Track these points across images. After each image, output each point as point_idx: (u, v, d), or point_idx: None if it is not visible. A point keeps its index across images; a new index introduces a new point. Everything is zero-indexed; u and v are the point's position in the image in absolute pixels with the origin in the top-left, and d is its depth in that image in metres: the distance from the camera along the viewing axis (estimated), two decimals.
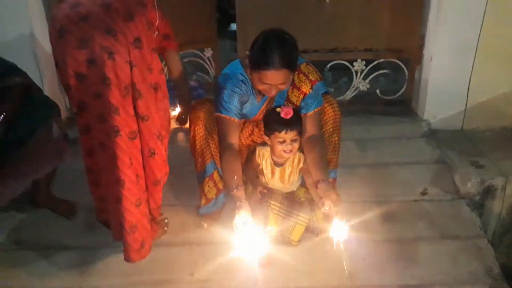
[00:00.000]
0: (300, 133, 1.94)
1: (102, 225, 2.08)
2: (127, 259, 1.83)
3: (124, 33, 1.60)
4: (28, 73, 1.99)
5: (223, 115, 1.90)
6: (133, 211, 1.74)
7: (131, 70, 1.63)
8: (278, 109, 1.90)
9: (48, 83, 2.60)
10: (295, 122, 1.90)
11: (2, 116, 1.75)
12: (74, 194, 2.28)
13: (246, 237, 1.75)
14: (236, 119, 1.91)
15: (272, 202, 1.99)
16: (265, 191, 2.03)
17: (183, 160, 2.31)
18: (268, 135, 1.96)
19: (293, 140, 1.91)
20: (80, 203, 2.28)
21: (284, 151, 1.93)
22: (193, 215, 2.21)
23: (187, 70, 3.23)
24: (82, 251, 2.07)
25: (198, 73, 3.21)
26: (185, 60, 3.15)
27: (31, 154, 1.87)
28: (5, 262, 2.02)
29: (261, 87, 1.83)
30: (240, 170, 1.91)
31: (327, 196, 1.79)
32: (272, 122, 1.92)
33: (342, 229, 1.76)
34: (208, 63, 3.18)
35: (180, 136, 2.75)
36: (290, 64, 1.79)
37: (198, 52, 3.16)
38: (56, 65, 1.66)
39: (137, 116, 1.70)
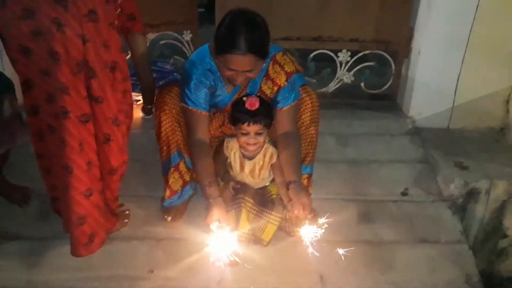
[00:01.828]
0: (268, 126, 1.82)
1: (56, 214, 1.92)
2: (74, 253, 1.69)
3: (76, 4, 1.44)
4: None
5: (190, 107, 1.78)
6: (82, 201, 1.59)
7: (84, 45, 1.47)
8: (244, 98, 1.77)
9: (7, 59, 2.40)
10: (261, 115, 1.77)
11: None
12: (29, 179, 2.12)
13: (218, 235, 1.65)
14: (204, 112, 1.78)
15: (246, 197, 1.86)
16: (239, 186, 1.90)
17: (152, 148, 2.16)
18: (233, 125, 1.83)
19: (257, 134, 1.79)
20: (34, 189, 2.12)
21: (248, 144, 1.81)
22: (158, 207, 2.07)
23: (164, 53, 3.08)
24: (33, 241, 1.93)
25: (176, 57, 3.04)
26: (162, 42, 3.00)
27: None
28: None
29: (226, 73, 1.69)
30: (212, 166, 1.80)
31: (298, 198, 1.68)
32: (236, 112, 1.79)
33: (312, 231, 1.66)
34: (187, 46, 3.02)
35: (150, 122, 2.60)
36: (259, 50, 1.63)
37: (176, 35, 3.00)
38: (1, 36, 1.50)
39: (90, 97, 1.54)
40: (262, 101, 1.78)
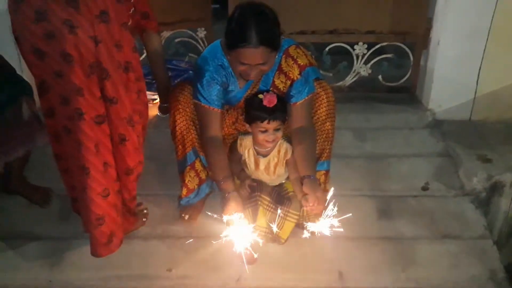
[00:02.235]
0: (284, 121, 1.79)
1: (77, 214, 1.95)
2: (94, 253, 1.70)
3: (88, 5, 1.44)
4: (6, 50, 1.91)
5: (202, 104, 1.77)
6: (99, 202, 1.60)
7: (96, 46, 1.47)
8: (260, 96, 1.74)
9: None
10: (279, 111, 1.74)
11: None
12: (50, 180, 2.14)
13: (235, 230, 1.66)
14: (216, 109, 1.77)
15: (262, 195, 1.85)
16: (255, 184, 1.89)
17: (168, 147, 2.16)
18: (249, 123, 1.81)
19: (276, 130, 1.76)
20: (55, 190, 2.14)
21: (267, 141, 1.79)
22: (175, 206, 2.08)
23: (179, 51, 3.08)
24: (54, 241, 1.96)
25: (191, 55, 3.04)
26: (177, 40, 3.00)
27: None
28: None
29: (240, 68, 1.67)
30: (226, 161, 1.80)
31: (312, 192, 1.67)
32: (253, 110, 1.76)
33: (326, 226, 1.66)
34: (201, 44, 3.00)
35: (165, 121, 2.61)
36: (270, 41, 1.61)
37: (191, 33, 2.99)
38: (16, 39, 1.51)
39: (105, 98, 1.55)
40: (278, 96, 1.76)
